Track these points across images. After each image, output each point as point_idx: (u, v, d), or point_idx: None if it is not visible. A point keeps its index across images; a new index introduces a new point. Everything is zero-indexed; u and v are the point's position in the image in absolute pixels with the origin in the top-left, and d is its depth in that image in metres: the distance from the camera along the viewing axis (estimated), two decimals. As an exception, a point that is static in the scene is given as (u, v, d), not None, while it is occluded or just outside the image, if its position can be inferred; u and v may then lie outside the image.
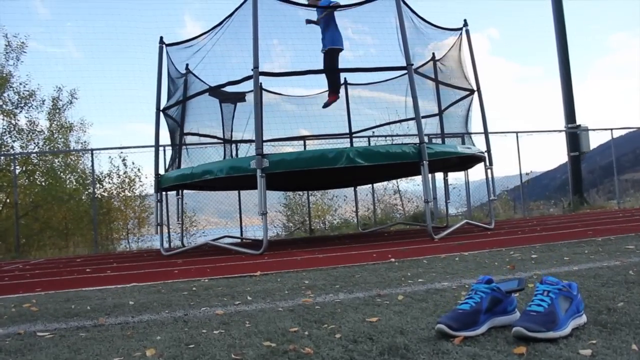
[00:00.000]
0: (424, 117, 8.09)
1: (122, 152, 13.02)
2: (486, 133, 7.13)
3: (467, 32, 7.30)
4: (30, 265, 6.37)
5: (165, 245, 8.68)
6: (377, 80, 8.97)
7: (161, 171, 6.76)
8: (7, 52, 12.08)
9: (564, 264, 2.97)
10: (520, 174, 11.91)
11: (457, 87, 7.20)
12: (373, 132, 9.60)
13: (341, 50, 6.62)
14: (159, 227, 6.40)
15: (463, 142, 7.88)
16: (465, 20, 7.31)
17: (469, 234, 6.27)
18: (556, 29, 12.50)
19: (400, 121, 9.38)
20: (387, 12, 6.03)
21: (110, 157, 12.25)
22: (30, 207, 11.34)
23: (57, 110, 12.08)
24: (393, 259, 3.78)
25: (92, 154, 9.21)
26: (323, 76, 7.13)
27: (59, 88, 12.40)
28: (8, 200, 11.38)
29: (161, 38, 6.76)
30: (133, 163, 11.90)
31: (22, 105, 11.86)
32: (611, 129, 12.74)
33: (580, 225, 6.34)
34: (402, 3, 5.92)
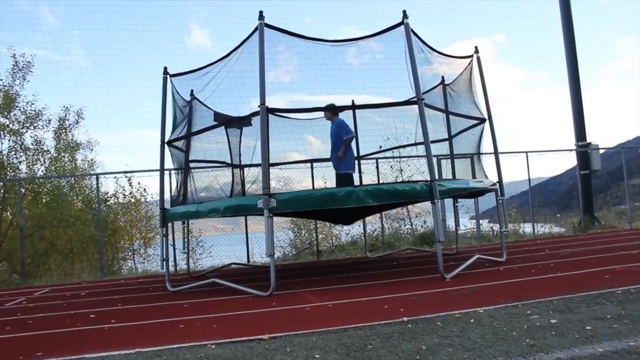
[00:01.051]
0: (433, 142, 7.97)
1: (127, 172, 13.06)
2: (497, 163, 6.99)
3: (478, 59, 7.18)
4: (33, 302, 6.28)
5: (172, 268, 8.59)
6: (386, 103, 8.85)
7: (166, 190, 6.72)
8: (14, 72, 12.08)
9: (586, 339, 2.83)
10: (530, 193, 11.74)
11: (468, 116, 7.08)
12: (381, 147, 9.51)
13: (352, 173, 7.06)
14: (165, 262, 6.29)
15: (472, 164, 7.75)
16: (476, 47, 7.19)
17: (480, 269, 6.13)
18: (566, 47, 12.36)
19: (409, 145, 9.27)
20: (397, 43, 5.92)
21: (115, 177, 12.24)
22: (35, 228, 11.29)
23: (64, 130, 12.06)
24: (405, 318, 3.65)
25: (97, 179, 9.14)
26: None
27: (66, 108, 12.39)
28: (14, 222, 11.33)
29: (165, 69, 6.68)
30: (139, 183, 11.89)
31: (27, 125, 11.83)
32: (622, 148, 12.53)
33: (595, 261, 6.17)
34: (411, 33, 5.81)
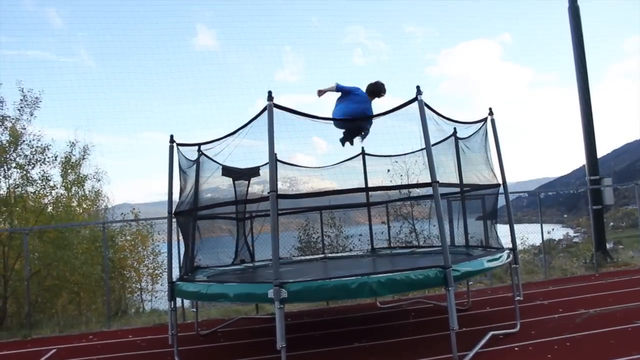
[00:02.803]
0: (442, 185, 7.82)
1: (134, 209, 13.04)
2: (512, 229, 6.85)
3: (493, 121, 7.02)
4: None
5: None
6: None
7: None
8: (21, 107, 12.04)
9: None
10: (542, 233, 11.57)
11: (482, 185, 6.94)
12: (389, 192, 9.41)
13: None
14: (173, 337, 6.20)
15: (485, 228, 7.60)
16: (490, 109, 7.03)
17: (494, 347, 5.98)
18: (577, 73, 12.16)
19: (418, 198, 9.15)
20: (409, 121, 5.79)
21: (122, 213, 12.19)
22: (42, 265, 11.27)
23: (70, 166, 12.01)
24: None
25: (104, 227, 9.07)
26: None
27: (72, 143, 12.34)
28: (18, 263, 11.27)
29: (171, 137, 6.57)
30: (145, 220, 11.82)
31: (34, 161, 11.79)
32: (636, 184, 12.32)
33: (620, 318, 5.94)
34: (424, 106, 5.66)
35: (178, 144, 6.63)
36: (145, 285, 12.01)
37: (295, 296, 5.06)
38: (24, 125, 12.06)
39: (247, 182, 8.53)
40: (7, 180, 11.87)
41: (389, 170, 14.87)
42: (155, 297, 11.67)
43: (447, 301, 5.27)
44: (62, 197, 12.07)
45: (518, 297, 6.76)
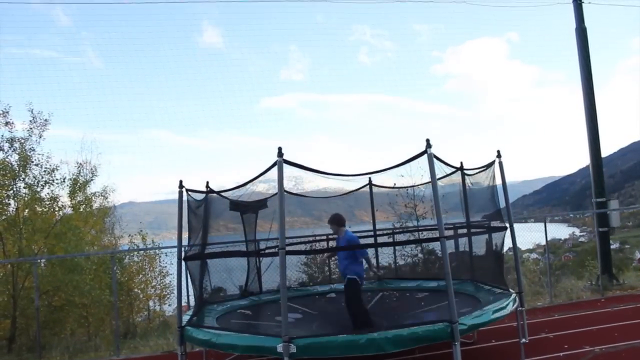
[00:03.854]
0: (448, 225, 7.88)
1: (141, 230, 13.15)
2: (518, 272, 6.89)
3: (500, 163, 7.05)
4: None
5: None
6: (402, 186, 8.80)
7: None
8: (30, 128, 12.16)
9: None
10: (548, 256, 11.58)
11: (490, 228, 6.98)
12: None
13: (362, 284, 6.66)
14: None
15: (492, 269, 7.62)
16: (498, 152, 7.06)
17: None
18: (585, 105, 12.15)
19: (422, 229, 9.19)
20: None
21: (130, 235, 12.30)
22: (50, 286, 11.39)
23: (78, 187, 12.13)
24: None
25: (112, 258, 9.15)
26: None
27: (80, 164, 12.46)
28: (27, 281, 11.40)
29: (180, 182, 6.63)
30: (153, 241, 11.93)
31: (43, 182, 11.90)
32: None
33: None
34: (434, 160, 5.70)
35: (187, 190, 6.69)
36: (153, 306, 12.11)
37: (303, 351, 5.13)
38: (32, 147, 12.20)
39: (255, 214, 8.62)
40: (16, 200, 11.99)
41: (395, 185, 14.94)
42: (163, 317, 11.77)
43: (453, 354, 5.34)
44: (70, 217, 12.17)
45: (524, 340, 6.81)
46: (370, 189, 9.11)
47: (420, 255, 10.89)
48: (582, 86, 12.23)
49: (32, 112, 12.21)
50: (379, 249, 9.50)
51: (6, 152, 12.04)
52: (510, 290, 7.08)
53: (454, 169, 6.49)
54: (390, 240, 9.92)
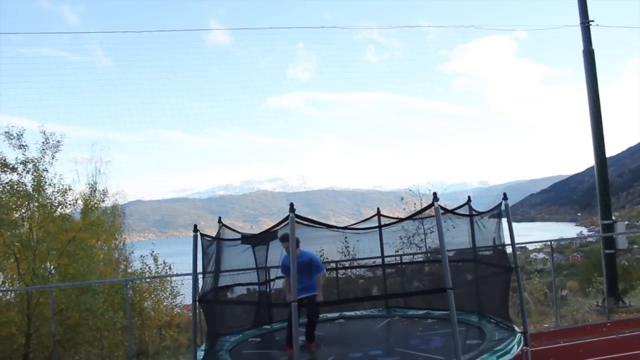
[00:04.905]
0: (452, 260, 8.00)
1: (153, 251, 13.36)
2: (523, 314, 7.01)
3: (507, 205, 7.17)
4: None
5: None
6: (407, 217, 8.91)
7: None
8: (43, 149, 12.36)
9: None
10: (555, 287, 11.65)
11: (496, 265, 7.10)
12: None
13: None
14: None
15: (498, 307, 7.73)
16: (504, 194, 7.18)
17: None
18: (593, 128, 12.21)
19: (427, 261, 9.33)
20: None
21: (141, 256, 12.52)
22: (63, 305, 11.62)
23: (90, 209, 12.35)
24: None
25: (125, 285, 9.37)
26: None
27: (92, 185, 12.69)
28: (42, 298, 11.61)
29: (195, 226, 6.82)
30: (164, 262, 12.14)
31: (56, 204, 12.12)
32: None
33: None
34: (440, 213, 5.83)
35: (202, 234, 6.88)
36: (163, 323, 12.32)
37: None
38: (45, 167, 12.41)
39: (266, 247, 8.77)
40: (29, 222, 12.22)
41: (402, 198, 15.06)
42: (175, 342, 11.95)
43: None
44: (82, 238, 12.39)
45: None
46: (379, 219, 9.23)
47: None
48: (590, 110, 12.28)
49: (44, 133, 12.41)
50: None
51: (20, 174, 12.27)
52: (515, 328, 7.21)
53: (462, 215, 6.61)
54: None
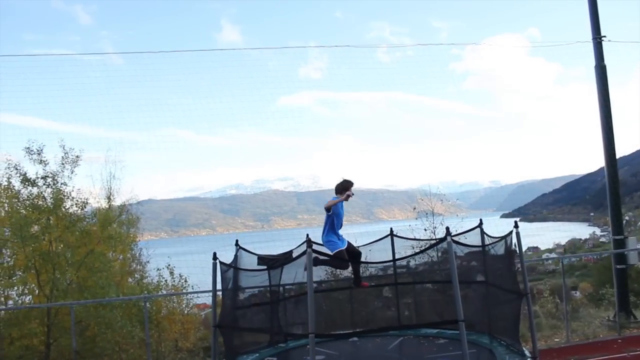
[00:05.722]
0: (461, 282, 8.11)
1: (169, 265, 13.63)
2: (534, 340, 7.15)
3: (518, 233, 7.30)
4: None
5: None
6: (418, 252, 9.04)
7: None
8: (63, 163, 12.68)
9: None
10: (566, 301, 11.73)
11: (505, 289, 7.24)
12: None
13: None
14: None
15: (508, 329, 7.86)
16: (515, 222, 7.31)
17: None
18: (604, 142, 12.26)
19: (436, 282, 9.46)
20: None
21: (158, 269, 12.79)
22: (82, 317, 11.93)
23: (107, 224, 12.66)
24: None
25: (145, 302, 9.62)
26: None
27: (108, 198, 12.98)
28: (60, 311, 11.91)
29: (214, 254, 7.03)
30: (180, 275, 12.40)
31: (75, 219, 12.43)
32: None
33: None
34: (453, 248, 5.98)
35: (221, 262, 7.09)
36: (179, 335, 12.59)
37: None
38: (64, 181, 12.73)
39: (281, 268, 8.96)
40: (49, 236, 12.54)
41: (414, 208, 15.16)
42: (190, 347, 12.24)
43: None
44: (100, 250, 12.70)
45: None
46: (392, 239, 9.35)
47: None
48: (601, 125, 12.33)
49: (63, 147, 12.74)
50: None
51: (40, 188, 12.60)
52: (526, 352, 7.34)
53: (474, 247, 6.75)
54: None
